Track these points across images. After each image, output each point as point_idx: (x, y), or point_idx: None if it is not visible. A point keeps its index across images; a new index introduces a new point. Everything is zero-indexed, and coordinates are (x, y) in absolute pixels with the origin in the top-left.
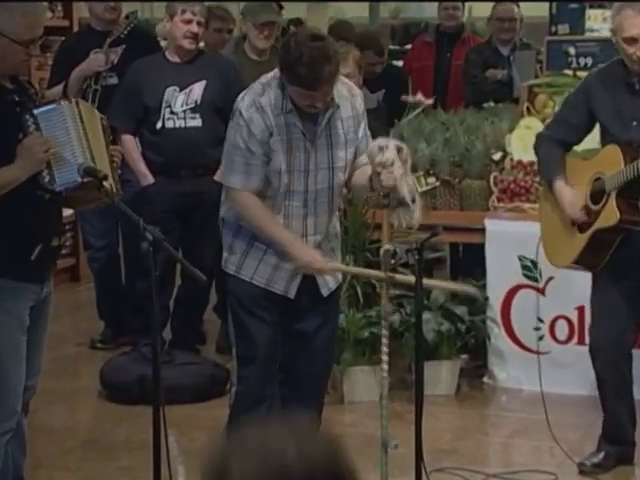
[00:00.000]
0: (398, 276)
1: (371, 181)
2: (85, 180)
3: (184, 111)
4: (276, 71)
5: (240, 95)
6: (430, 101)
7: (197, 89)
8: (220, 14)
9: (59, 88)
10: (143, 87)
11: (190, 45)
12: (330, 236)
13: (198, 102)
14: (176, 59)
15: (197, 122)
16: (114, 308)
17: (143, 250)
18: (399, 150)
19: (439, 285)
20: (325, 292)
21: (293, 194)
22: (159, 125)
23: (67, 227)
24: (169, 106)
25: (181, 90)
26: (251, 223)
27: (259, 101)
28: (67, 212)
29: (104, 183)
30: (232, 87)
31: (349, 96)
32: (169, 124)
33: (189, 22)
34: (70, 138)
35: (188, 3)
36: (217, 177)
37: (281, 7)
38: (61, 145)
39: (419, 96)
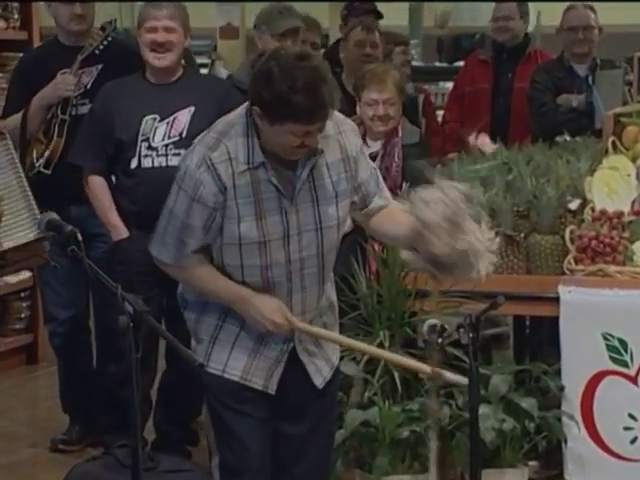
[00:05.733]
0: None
1: (412, 240)
2: (34, 238)
3: (166, 146)
4: (235, 115)
5: (188, 150)
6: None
7: (182, 118)
8: None
9: (17, 117)
10: (115, 116)
11: (157, 61)
12: (322, 310)
13: (183, 134)
14: (155, 79)
15: None
16: (82, 399)
17: (121, 325)
18: (450, 204)
19: (402, 363)
20: (320, 382)
21: (272, 267)
22: (134, 164)
23: (23, 295)
24: (147, 139)
25: (162, 119)
26: (202, 293)
27: (210, 157)
28: (24, 275)
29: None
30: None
31: (336, 134)
32: (146, 162)
33: (153, 31)
34: (9, 185)
35: (154, 5)
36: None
37: (380, 16)
38: None
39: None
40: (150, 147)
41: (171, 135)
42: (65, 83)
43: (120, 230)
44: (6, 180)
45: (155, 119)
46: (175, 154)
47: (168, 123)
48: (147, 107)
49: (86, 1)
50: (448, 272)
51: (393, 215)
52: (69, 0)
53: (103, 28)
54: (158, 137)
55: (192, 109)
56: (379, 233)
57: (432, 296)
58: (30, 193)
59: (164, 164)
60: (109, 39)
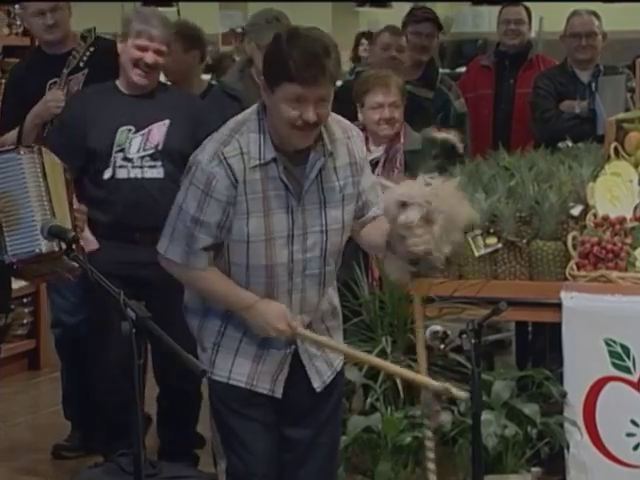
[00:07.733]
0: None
1: (390, 242)
2: (45, 252)
3: (141, 158)
4: (247, 113)
5: (199, 148)
6: (461, 145)
7: (157, 131)
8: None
9: (14, 134)
10: (88, 125)
11: (140, 80)
12: (324, 314)
13: (159, 147)
14: (129, 91)
15: (158, 172)
16: (85, 405)
17: (124, 332)
18: (428, 202)
19: (405, 375)
20: (318, 386)
21: (275, 267)
22: (108, 175)
23: (25, 300)
24: (122, 150)
25: (137, 131)
26: (208, 296)
27: (222, 151)
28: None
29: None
30: (203, 131)
31: (344, 138)
32: (121, 173)
33: (144, 49)
34: (28, 197)
35: (148, 22)
36: (159, 246)
37: (441, 27)
38: (16, 205)
39: (446, 133)
40: (126, 158)
41: (146, 147)
42: (55, 100)
43: (90, 242)
44: (23, 190)
45: (130, 130)
46: (151, 166)
47: (143, 135)
48: (122, 118)
49: (86, 0)
50: (429, 269)
51: (379, 224)
52: None
53: (84, 37)
54: (134, 149)
55: (167, 122)
56: (366, 243)
57: (435, 302)
58: (48, 208)
59: (139, 176)
60: (91, 49)
